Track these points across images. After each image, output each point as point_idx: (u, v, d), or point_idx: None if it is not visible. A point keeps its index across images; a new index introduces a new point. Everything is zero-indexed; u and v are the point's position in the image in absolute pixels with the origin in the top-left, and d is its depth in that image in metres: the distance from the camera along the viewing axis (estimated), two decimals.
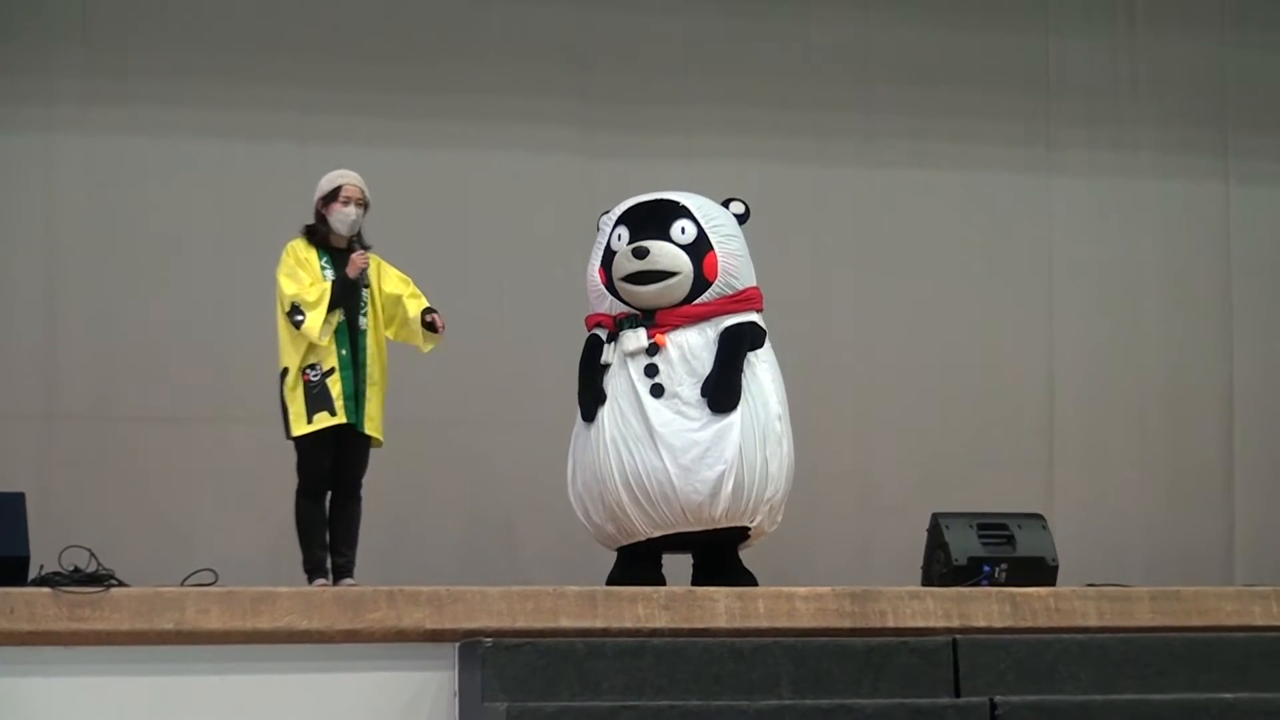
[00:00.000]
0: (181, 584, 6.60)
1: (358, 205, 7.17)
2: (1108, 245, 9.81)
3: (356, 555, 7.13)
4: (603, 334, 7.36)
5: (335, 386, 7.02)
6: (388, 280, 7.22)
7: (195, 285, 8.73)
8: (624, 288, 7.35)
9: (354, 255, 7.09)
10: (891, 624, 6.74)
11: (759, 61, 9.41)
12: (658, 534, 7.23)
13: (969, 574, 7.22)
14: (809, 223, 9.44)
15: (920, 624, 6.75)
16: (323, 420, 6.99)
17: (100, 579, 6.36)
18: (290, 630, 6.41)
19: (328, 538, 7.09)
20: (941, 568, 7.29)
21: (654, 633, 6.58)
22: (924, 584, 7.38)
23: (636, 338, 7.26)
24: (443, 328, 7.18)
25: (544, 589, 6.62)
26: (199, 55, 8.77)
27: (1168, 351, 9.45)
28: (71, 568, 6.40)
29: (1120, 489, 9.39)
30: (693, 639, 6.56)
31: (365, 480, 7.19)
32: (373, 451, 7.21)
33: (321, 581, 6.97)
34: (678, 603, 6.66)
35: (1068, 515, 9.05)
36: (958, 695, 6.55)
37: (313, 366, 7.03)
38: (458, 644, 6.52)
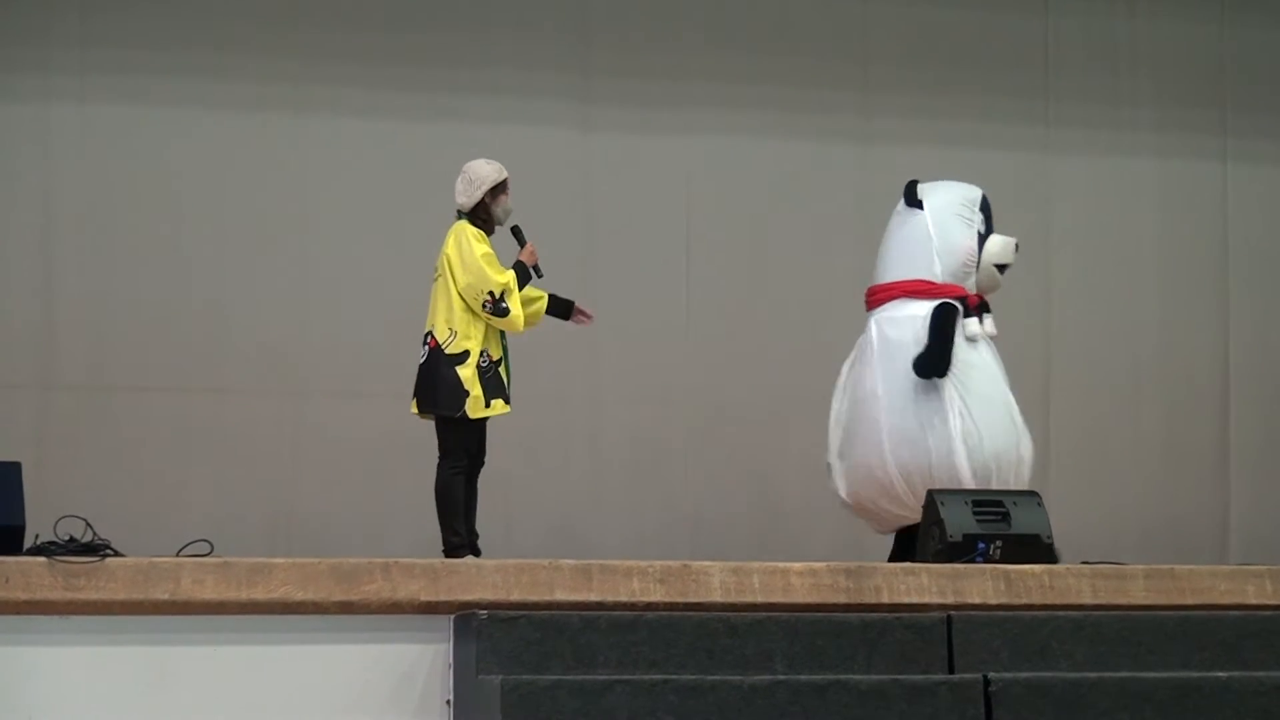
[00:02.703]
0: (177, 554, 6.60)
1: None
2: (1105, 224, 9.82)
3: None
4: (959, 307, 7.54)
5: (505, 375, 7.20)
6: None
7: (191, 255, 8.73)
8: (991, 273, 7.65)
9: (531, 247, 7.26)
10: (886, 600, 6.74)
11: (757, 38, 9.41)
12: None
13: (964, 551, 7.22)
14: (807, 199, 9.44)
15: (915, 600, 6.75)
16: (498, 408, 7.18)
17: (95, 549, 6.35)
18: (286, 601, 6.40)
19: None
20: (937, 544, 7.29)
21: (649, 606, 6.57)
22: (919, 560, 7.38)
23: (990, 324, 7.59)
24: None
25: (539, 562, 6.62)
26: (195, 26, 8.75)
27: (1164, 330, 9.47)
28: (67, 537, 6.38)
29: (1116, 467, 9.41)
30: (687, 613, 6.55)
31: None
32: None
33: (470, 557, 7.04)
34: (673, 577, 6.65)
35: (1063, 493, 9.07)
36: (951, 672, 6.55)
37: (484, 352, 7.16)
38: (453, 616, 6.51)
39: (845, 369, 7.83)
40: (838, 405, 7.78)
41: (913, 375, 7.53)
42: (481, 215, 7.28)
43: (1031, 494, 7.51)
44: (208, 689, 6.35)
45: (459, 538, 7.18)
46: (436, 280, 7.26)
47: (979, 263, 7.71)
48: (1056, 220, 9.76)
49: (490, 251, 7.19)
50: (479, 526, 7.30)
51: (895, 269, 7.71)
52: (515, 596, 6.50)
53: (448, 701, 6.47)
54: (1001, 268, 7.75)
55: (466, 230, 7.22)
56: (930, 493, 7.41)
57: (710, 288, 9.35)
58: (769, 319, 9.35)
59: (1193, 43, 9.97)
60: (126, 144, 8.70)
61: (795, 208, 9.42)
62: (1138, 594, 6.92)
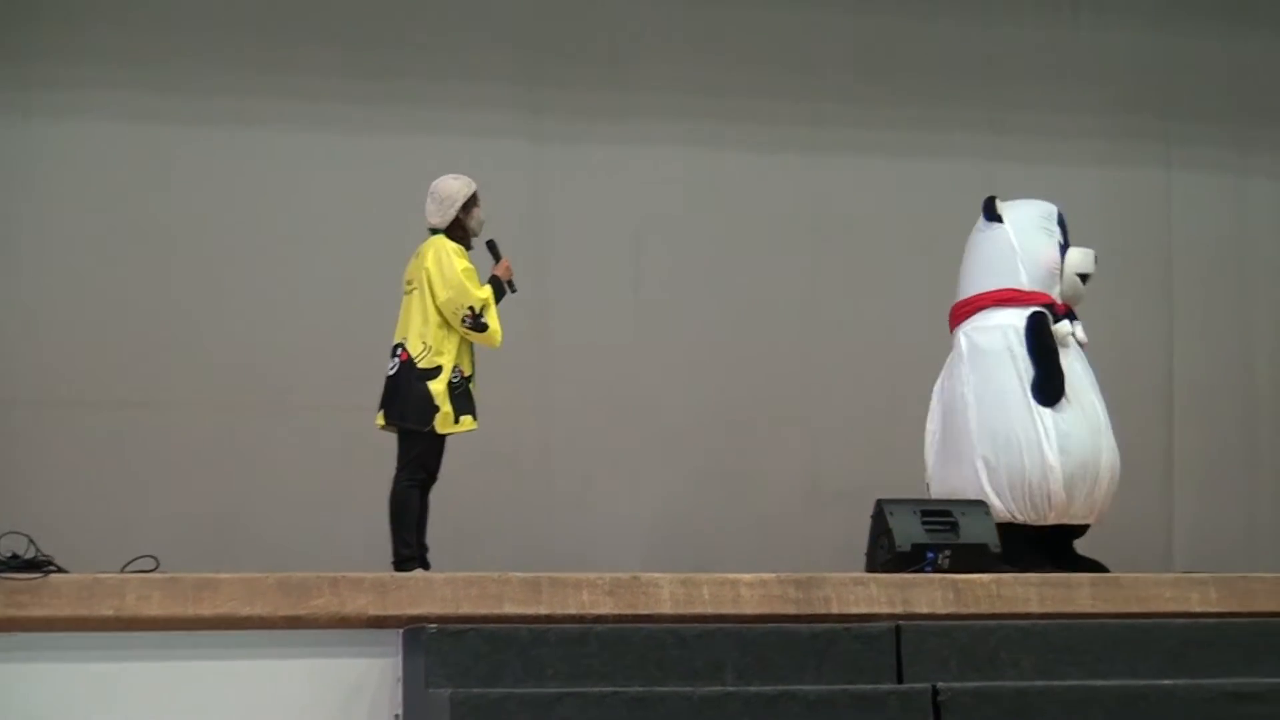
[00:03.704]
0: (122, 570, 6.55)
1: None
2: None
3: None
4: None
5: (475, 392, 7.21)
6: None
7: (137, 268, 8.67)
8: (1075, 282, 7.81)
9: (506, 262, 7.28)
10: (835, 610, 6.76)
11: (706, 48, 9.42)
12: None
13: (912, 560, 7.25)
14: (756, 209, 9.46)
15: (864, 610, 6.77)
16: (467, 424, 7.18)
17: (39, 565, 6.30)
18: (233, 616, 6.37)
19: None
20: (885, 554, 7.32)
21: (599, 619, 6.57)
22: (868, 570, 7.40)
23: (1080, 331, 7.73)
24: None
25: (488, 575, 6.61)
26: (142, 39, 8.73)
27: (1109, 337, 9.44)
28: (10, 554, 6.33)
29: None
30: (637, 625, 6.55)
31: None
32: None
33: (419, 571, 7.04)
34: (622, 589, 6.65)
35: None
36: (900, 681, 6.58)
37: (455, 369, 7.16)
38: (402, 630, 6.49)
39: (936, 391, 7.93)
40: (932, 426, 7.88)
41: (1004, 381, 7.61)
42: (457, 231, 7.28)
43: (979, 503, 7.55)
44: (154, 705, 6.32)
45: (410, 550, 7.16)
46: (411, 294, 7.24)
47: (1062, 273, 7.83)
48: None
49: (470, 267, 7.19)
50: (429, 539, 7.28)
51: (981, 281, 7.84)
52: (465, 610, 6.49)
53: (396, 716, 6.45)
54: (1084, 277, 7.90)
55: (446, 245, 7.21)
56: (879, 502, 7.44)
57: (661, 297, 9.36)
58: (720, 327, 9.36)
59: (1136, 51, 10.04)
60: (71, 157, 8.65)
61: (744, 216, 9.44)
62: (1084, 602, 6.96)
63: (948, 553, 7.27)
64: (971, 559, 7.28)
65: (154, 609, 6.29)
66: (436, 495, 7.27)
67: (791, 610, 6.73)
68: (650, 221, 9.36)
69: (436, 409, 7.12)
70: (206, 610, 6.34)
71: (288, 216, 8.93)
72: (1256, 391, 10.01)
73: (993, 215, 7.92)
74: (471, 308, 7.10)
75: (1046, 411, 7.59)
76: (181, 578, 6.39)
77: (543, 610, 6.56)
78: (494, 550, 8.42)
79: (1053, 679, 6.64)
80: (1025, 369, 7.63)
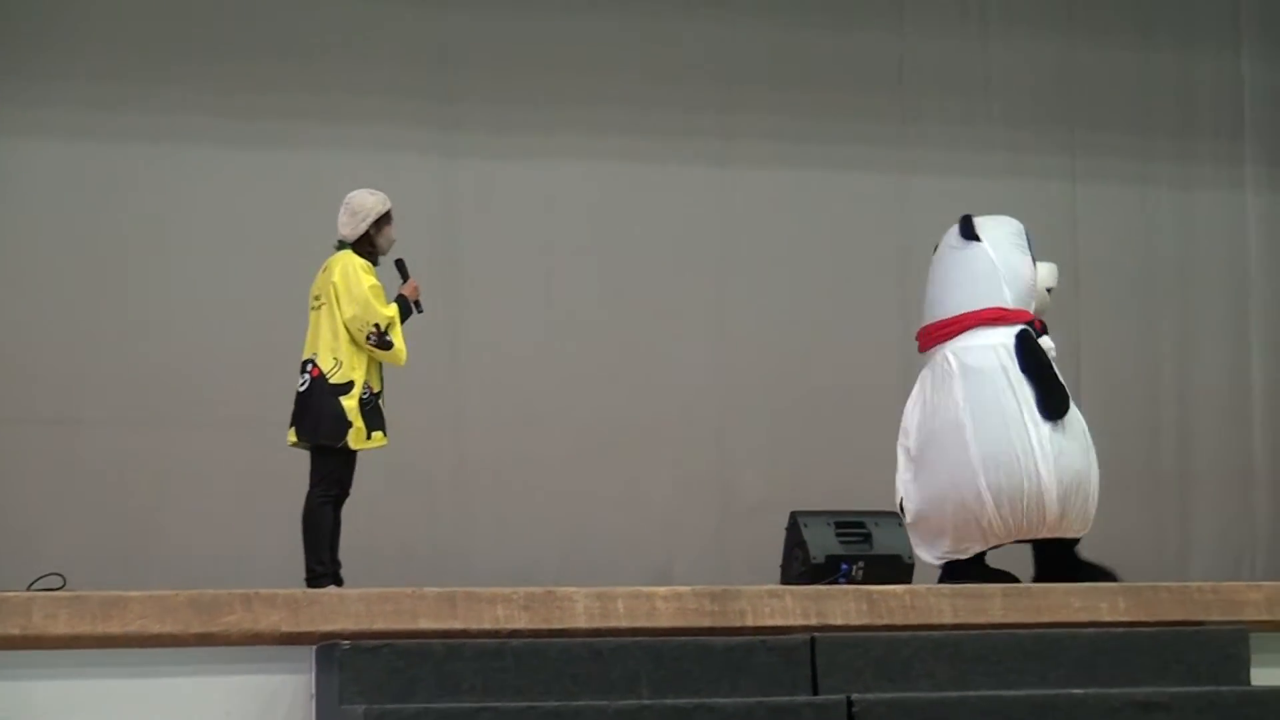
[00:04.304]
0: (28, 588, 6.46)
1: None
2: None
3: None
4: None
5: (385, 409, 7.19)
6: None
7: (48, 284, 8.58)
8: (1044, 296, 7.85)
9: (413, 283, 7.26)
10: (751, 623, 6.76)
11: (619, 61, 9.44)
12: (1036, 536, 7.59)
13: (827, 572, 7.29)
14: (667, 222, 9.47)
15: (779, 622, 6.77)
16: (378, 440, 7.16)
17: None
18: (143, 634, 6.30)
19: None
20: (800, 566, 7.36)
21: (513, 633, 6.55)
22: (783, 582, 7.44)
23: (1049, 343, 7.70)
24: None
25: (402, 590, 6.56)
26: (56, 54, 8.67)
27: None
28: None
29: None
30: (552, 639, 6.53)
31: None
32: None
33: (332, 587, 7.01)
34: (537, 603, 6.63)
35: None
36: (816, 693, 6.59)
37: (366, 385, 7.14)
38: (315, 646, 6.44)
39: (913, 409, 7.78)
40: (909, 445, 7.73)
41: (1001, 400, 7.54)
42: (366, 246, 7.24)
43: (892, 514, 7.59)
44: None
45: (323, 566, 7.14)
46: (319, 309, 7.20)
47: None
48: (915, 241, 9.87)
49: (377, 284, 7.16)
50: (341, 555, 7.24)
51: (964, 300, 7.74)
52: (379, 625, 6.44)
53: None
54: (1049, 291, 7.95)
55: (354, 261, 7.18)
56: (793, 514, 7.47)
57: (573, 311, 9.35)
58: (632, 341, 9.38)
59: (1042, 64, 10.14)
60: None
61: (656, 231, 9.46)
62: (996, 612, 7.00)
63: (861, 564, 7.31)
64: (885, 570, 7.33)
65: (61, 627, 6.21)
66: (352, 512, 7.23)
67: (707, 623, 6.73)
68: (562, 236, 9.35)
69: (349, 425, 7.10)
70: (115, 628, 6.26)
71: (198, 231, 8.86)
72: (1160, 399, 10.14)
73: (970, 234, 7.85)
74: (377, 325, 7.07)
75: (1044, 429, 7.55)
76: (88, 595, 6.30)
77: (457, 625, 6.52)
78: (408, 566, 8.39)
79: (966, 689, 6.69)
80: (1019, 388, 7.59)
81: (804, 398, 9.52)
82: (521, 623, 6.57)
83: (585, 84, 9.37)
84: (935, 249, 8.02)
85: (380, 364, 7.21)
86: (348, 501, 7.26)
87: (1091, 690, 6.75)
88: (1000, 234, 7.88)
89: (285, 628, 6.40)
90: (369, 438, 7.13)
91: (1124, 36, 10.25)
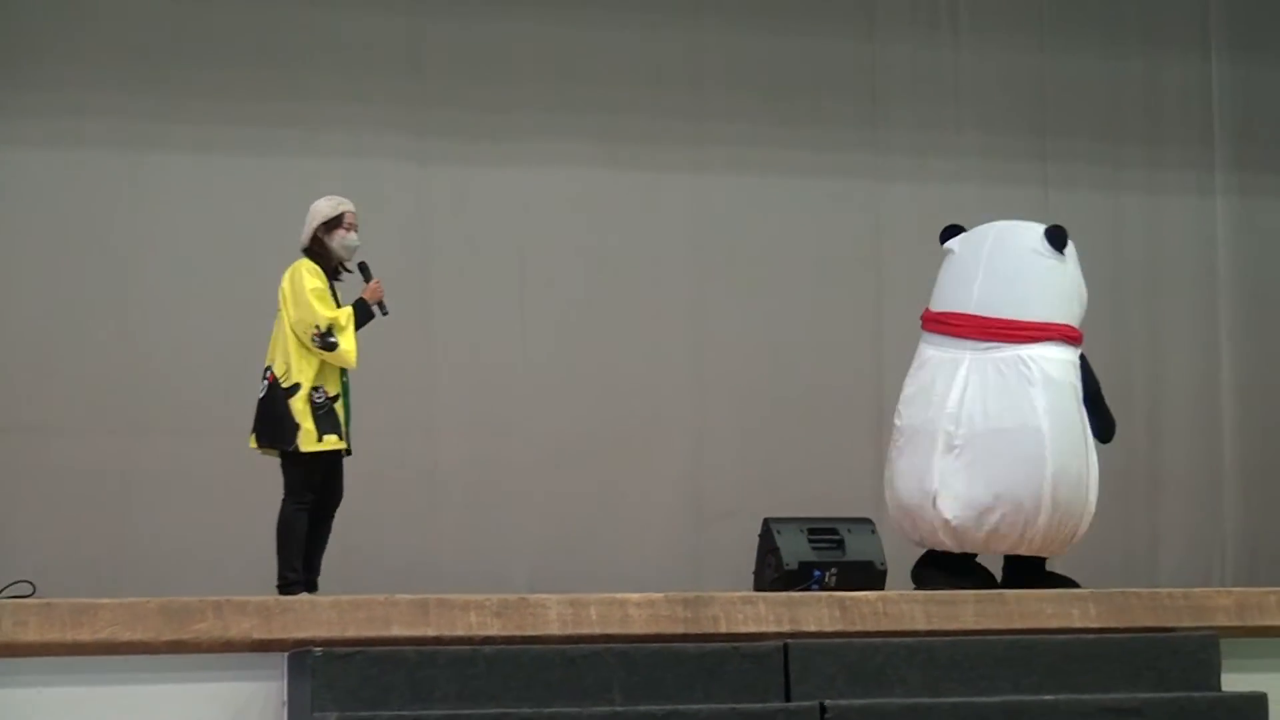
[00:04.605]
0: None
1: (356, 232, 7.31)
2: (932, 248, 9.94)
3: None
4: None
5: (341, 412, 7.17)
6: None
7: (17, 289, 8.54)
8: None
9: (375, 284, 7.26)
10: (724, 629, 6.77)
11: (591, 68, 9.43)
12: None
13: (800, 579, 7.29)
14: (641, 229, 9.47)
15: (752, 629, 6.78)
16: (331, 443, 7.13)
17: None
18: (113, 642, 6.28)
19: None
20: (773, 573, 7.35)
21: (486, 640, 6.54)
22: (756, 589, 7.43)
23: None
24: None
25: (375, 597, 6.55)
26: (18, 59, 8.58)
27: None
28: None
29: None
30: (525, 646, 6.53)
31: None
32: None
33: (301, 593, 7.00)
34: (510, 610, 6.62)
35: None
36: (789, 699, 6.61)
37: (319, 388, 7.13)
38: (287, 654, 6.43)
39: (958, 397, 7.69)
40: (951, 427, 7.65)
41: (1077, 418, 7.64)
42: (319, 251, 7.27)
43: (865, 521, 7.60)
44: None
45: (295, 574, 7.13)
46: (278, 315, 7.23)
47: None
48: (886, 247, 9.90)
49: (320, 286, 7.16)
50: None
51: (1049, 311, 7.75)
52: (351, 633, 6.43)
53: None
54: None
55: (301, 266, 7.24)
56: (766, 521, 7.47)
57: (546, 317, 9.34)
58: (604, 347, 9.37)
59: (1014, 70, 10.17)
60: None
61: (629, 237, 9.46)
62: (969, 619, 7.02)
63: (834, 570, 7.32)
64: (858, 576, 7.33)
65: (31, 635, 6.19)
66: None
67: (680, 630, 6.74)
68: (535, 241, 9.34)
69: (298, 426, 7.11)
70: (86, 636, 6.24)
71: (170, 238, 8.82)
72: (1130, 403, 10.17)
73: (1061, 246, 7.85)
74: (318, 326, 7.09)
75: (1096, 453, 7.71)
76: (58, 603, 6.28)
77: (430, 632, 6.51)
78: (381, 573, 8.36)
79: (938, 695, 6.71)
80: (1083, 409, 7.69)
81: (778, 404, 9.52)
82: (494, 630, 6.57)
83: (559, 90, 9.36)
84: (947, 233, 8.04)
85: (343, 369, 7.20)
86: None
87: (1064, 696, 6.78)
88: (1076, 255, 7.93)
89: (257, 635, 6.38)
90: (320, 440, 7.12)
91: (1094, 43, 10.28)
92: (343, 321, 7.14)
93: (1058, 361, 7.67)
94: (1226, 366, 10.29)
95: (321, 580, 7.24)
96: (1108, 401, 7.94)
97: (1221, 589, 7.96)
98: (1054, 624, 7.11)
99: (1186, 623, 7.23)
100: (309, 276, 7.17)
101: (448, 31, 9.25)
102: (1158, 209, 10.30)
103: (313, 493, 7.17)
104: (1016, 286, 7.77)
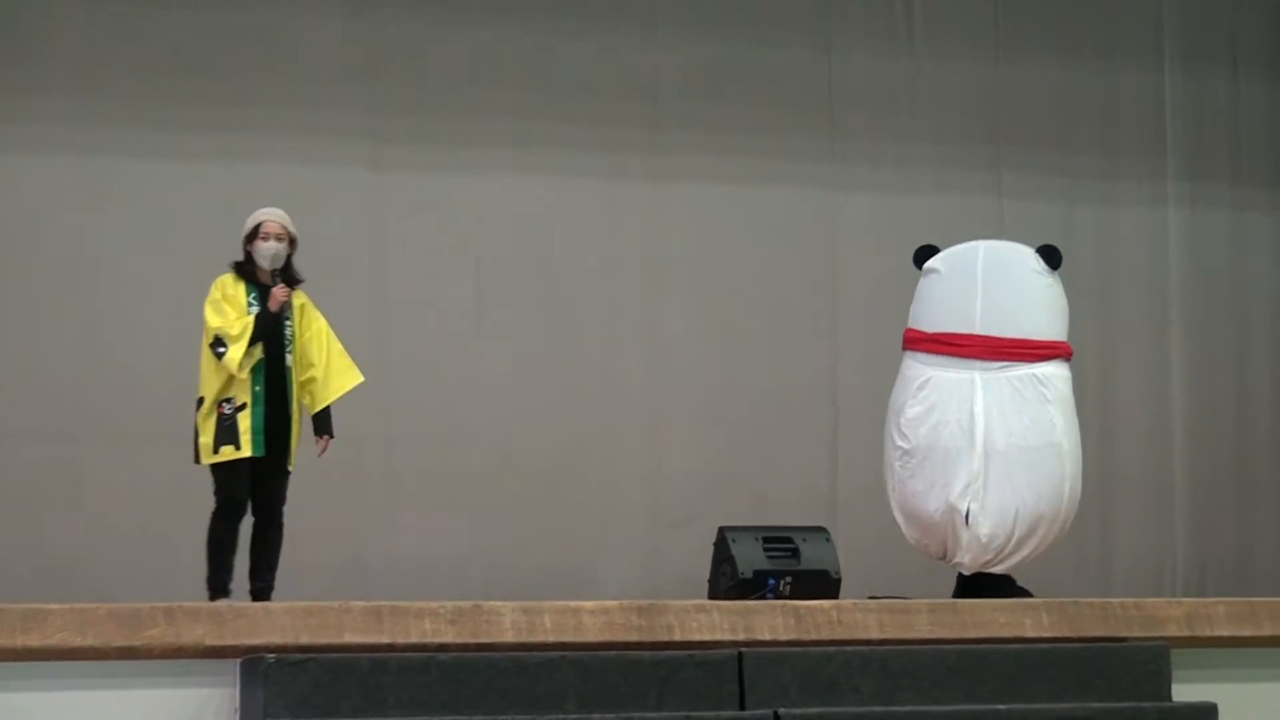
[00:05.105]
0: None
1: (278, 240, 7.33)
2: (888, 258, 9.98)
3: (275, 579, 7.30)
4: None
5: (244, 421, 7.18)
6: (309, 328, 7.36)
7: None
8: None
9: (275, 289, 7.27)
10: (678, 638, 6.77)
11: (548, 76, 9.42)
12: None
13: (754, 587, 7.29)
14: (597, 237, 9.47)
15: (706, 637, 6.79)
16: (227, 454, 7.16)
17: None
18: (64, 647, 6.24)
19: (233, 560, 7.25)
20: (728, 581, 7.36)
21: (441, 648, 6.53)
22: (710, 597, 7.43)
23: None
24: (324, 452, 7.38)
25: (328, 604, 6.53)
26: (35, 73, 8.58)
27: None
28: None
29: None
30: (479, 654, 6.52)
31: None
32: None
33: (223, 601, 7.02)
34: (464, 618, 6.61)
35: (851, 528, 9.20)
36: (743, 708, 6.62)
37: (229, 400, 7.17)
38: (239, 660, 6.39)
39: (979, 407, 7.81)
40: (981, 445, 7.77)
41: (1078, 434, 7.86)
42: (249, 263, 7.35)
43: (820, 530, 7.62)
44: None
45: (215, 581, 7.19)
46: None
47: None
48: (842, 255, 9.92)
49: (218, 298, 7.26)
50: (246, 567, 7.24)
51: (1053, 330, 7.97)
52: (304, 640, 6.41)
53: None
54: None
55: (219, 280, 7.34)
56: (721, 529, 7.48)
57: (501, 327, 9.31)
58: (559, 355, 9.35)
59: (969, 81, 10.21)
60: None
61: (585, 245, 9.44)
62: (922, 628, 7.04)
63: (789, 579, 7.33)
64: (813, 585, 7.34)
65: None
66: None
67: (634, 638, 6.74)
68: (490, 250, 9.32)
69: (198, 438, 7.20)
70: (35, 641, 6.20)
71: (120, 244, 8.77)
72: (1081, 413, 10.20)
73: (1057, 266, 8.04)
74: (216, 335, 7.16)
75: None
76: (7, 609, 6.23)
77: (384, 639, 6.49)
78: (335, 580, 8.33)
79: (891, 704, 6.73)
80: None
81: (734, 412, 9.52)
82: (449, 637, 6.56)
83: (514, 98, 9.34)
84: (923, 253, 8.14)
85: (263, 377, 7.22)
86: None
87: (1016, 705, 6.81)
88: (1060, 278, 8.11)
89: (209, 641, 6.35)
90: (216, 451, 7.17)
91: (1049, 55, 10.33)
92: (235, 331, 7.18)
93: (1066, 379, 7.92)
94: (1177, 377, 10.35)
95: (276, 587, 7.21)
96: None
97: (1172, 600, 8.01)
98: (1006, 633, 7.13)
99: (1137, 633, 7.28)
100: (214, 288, 7.28)
101: (403, 39, 9.22)
102: (1111, 219, 10.36)
103: (234, 502, 7.21)
104: (1020, 306, 7.95)
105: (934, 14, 10.13)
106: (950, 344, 7.91)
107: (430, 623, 6.56)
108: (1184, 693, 7.13)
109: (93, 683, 6.30)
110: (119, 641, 6.28)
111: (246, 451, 7.14)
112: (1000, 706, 6.79)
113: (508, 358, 9.27)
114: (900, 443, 7.85)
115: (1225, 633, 7.42)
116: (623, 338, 9.42)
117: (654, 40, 9.63)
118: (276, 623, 6.41)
